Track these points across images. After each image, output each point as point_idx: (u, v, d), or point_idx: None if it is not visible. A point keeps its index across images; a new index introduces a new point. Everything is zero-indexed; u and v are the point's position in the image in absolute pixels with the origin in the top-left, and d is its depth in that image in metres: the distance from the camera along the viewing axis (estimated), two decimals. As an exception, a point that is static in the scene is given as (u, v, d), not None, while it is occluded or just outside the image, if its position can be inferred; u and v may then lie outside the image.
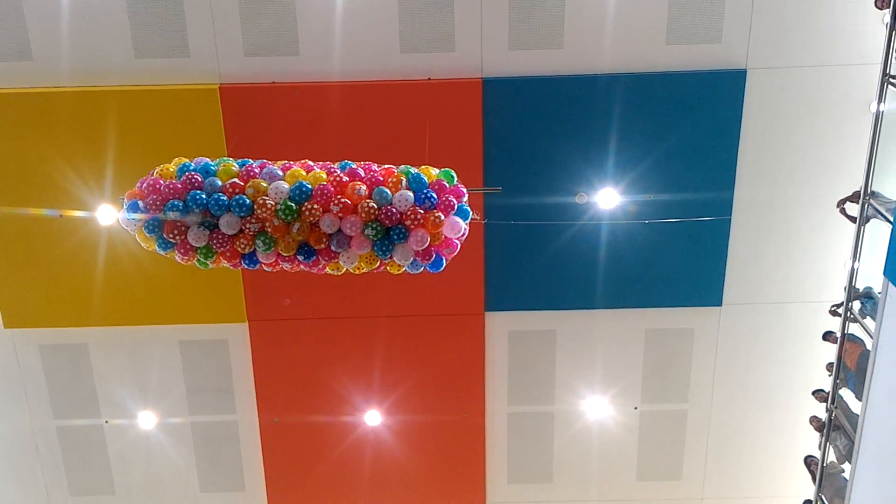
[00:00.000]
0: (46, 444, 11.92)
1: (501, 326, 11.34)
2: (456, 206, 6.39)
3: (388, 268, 6.51)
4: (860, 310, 9.63)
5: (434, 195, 6.29)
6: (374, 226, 6.20)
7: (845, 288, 10.13)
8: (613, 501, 12.34)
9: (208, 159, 6.58)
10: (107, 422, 11.81)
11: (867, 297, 9.58)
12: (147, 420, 11.78)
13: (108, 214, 10.28)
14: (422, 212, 6.21)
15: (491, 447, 11.99)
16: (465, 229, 6.49)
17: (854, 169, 9.78)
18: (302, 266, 6.48)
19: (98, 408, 11.72)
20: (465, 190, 6.57)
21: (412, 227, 6.22)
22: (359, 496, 12.30)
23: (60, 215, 10.47)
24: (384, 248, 6.28)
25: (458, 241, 6.53)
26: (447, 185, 6.45)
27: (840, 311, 10.03)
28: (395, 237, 6.23)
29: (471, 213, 6.59)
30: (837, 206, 9.98)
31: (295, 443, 11.94)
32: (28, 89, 10.02)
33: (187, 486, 12.22)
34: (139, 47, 9.91)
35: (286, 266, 6.51)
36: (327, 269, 6.50)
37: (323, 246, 6.29)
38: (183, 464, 12.08)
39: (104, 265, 10.73)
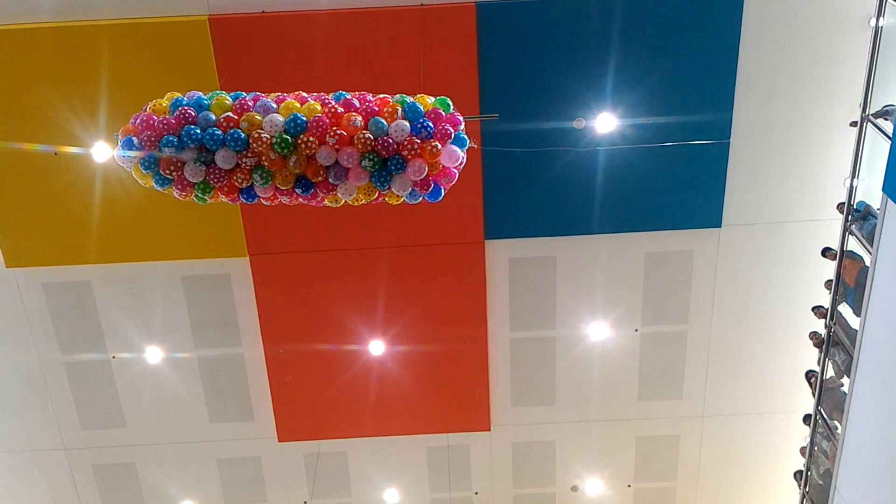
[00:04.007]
0: (55, 380, 12.10)
1: (501, 254, 11.38)
2: (453, 135, 6.32)
3: (386, 198, 6.49)
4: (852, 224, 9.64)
5: (430, 124, 6.23)
6: (370, 157, 6.16)
7: (838, 206, 10.14)
8: (616, 421, 12.58)
9: (201, 93, 6.51)
10: (114, 357, 11.97)
11: (856, 210, 9.58)
12: (153, 355, 11.93)
13: (103, 151, 10.21)
14: (419, 141, 6.16)
15: (494, 372, 12.16)
16: (463, 158, 6.44)
17: (853, 86, 9.67)
18: (300, 199, 6.46)
19: (104, 343, 11.86)
20: (461, 118, 6.50)
21: (409, 156, 6.17)
22: (365, 423, 12.53)
23: (55, 152, 10.41)
24: (382, 179, 6.25)
25: (455, 170, 6.48)
26: (443, 113, 6.38)
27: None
28: (393, 167, 6.20)
29: (468, 141, 6.53)
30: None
31: (301, 372, 12.10)
32: (13, 25, 9.84)
33: (197, 417, 12.44)
34: (125, -21, 9.71)
35: (284, 199, 6.50)
36: (326, 202, 6.49)
37: (320, 178, 6.26)
38: (191, 396, 12.28)
39: (102, 202, 10.73)
